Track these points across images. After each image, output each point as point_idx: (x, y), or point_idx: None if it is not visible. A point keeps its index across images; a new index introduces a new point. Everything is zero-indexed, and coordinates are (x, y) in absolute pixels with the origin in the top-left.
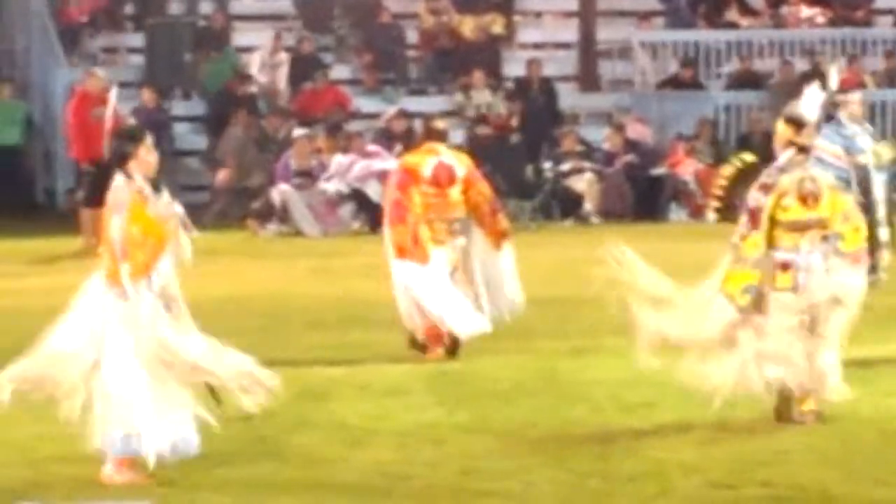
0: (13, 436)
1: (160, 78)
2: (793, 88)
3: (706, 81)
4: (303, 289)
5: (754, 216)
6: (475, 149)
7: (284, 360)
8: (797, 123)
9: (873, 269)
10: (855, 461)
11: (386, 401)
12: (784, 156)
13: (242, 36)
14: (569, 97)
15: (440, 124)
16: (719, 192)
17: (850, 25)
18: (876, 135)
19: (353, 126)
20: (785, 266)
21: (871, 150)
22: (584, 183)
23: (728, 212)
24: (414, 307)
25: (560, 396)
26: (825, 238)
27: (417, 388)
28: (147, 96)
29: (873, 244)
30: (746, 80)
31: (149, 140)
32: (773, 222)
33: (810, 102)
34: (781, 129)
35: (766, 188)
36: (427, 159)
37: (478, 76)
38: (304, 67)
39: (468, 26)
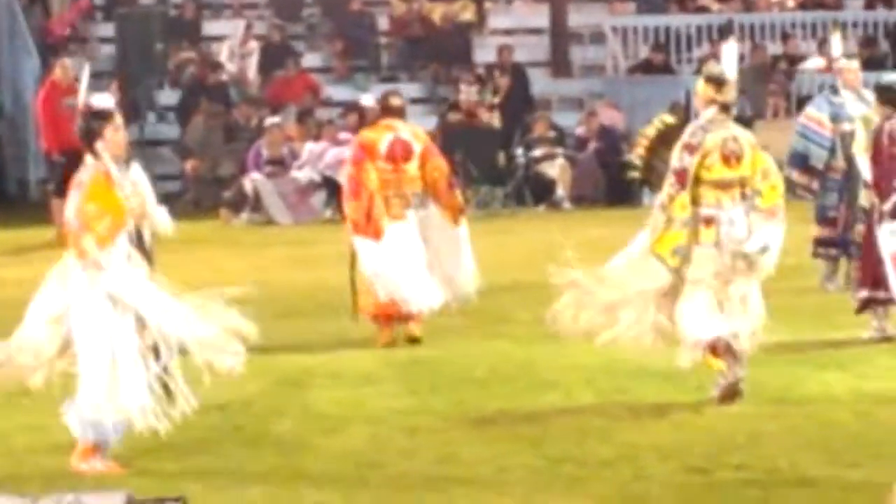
0: None
1: (131, 68)
2: (764, 71)
3: (677, 66)
4: (275, 277)
5: (681, 176)
6: (447, 135)
7: (258, 348)
8: (717, 81)
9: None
10: (830, 444)
11: (359, 389)
12: (706, 114)
13: (213, 25)
14: (540, 83)
15: (396, 101)
16: (641, 154)
17: (821, 8)
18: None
19: (325, 114)
20: (708, 221)
21: (861, 116)
22: (556, 169)
23: (649, 173)
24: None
25: (534, 382)
26: (745, 196)
27: (391, 375)
28: (114, 88)
29: (852, 214)
30: None
31: (117, 119)
32: (697, 180)
33: (729, 60)
34: (702, 89)
35: (692, 148)
36: (384, 135)
37: (466, 76)
38: (275, 56)
39: (439, 13)
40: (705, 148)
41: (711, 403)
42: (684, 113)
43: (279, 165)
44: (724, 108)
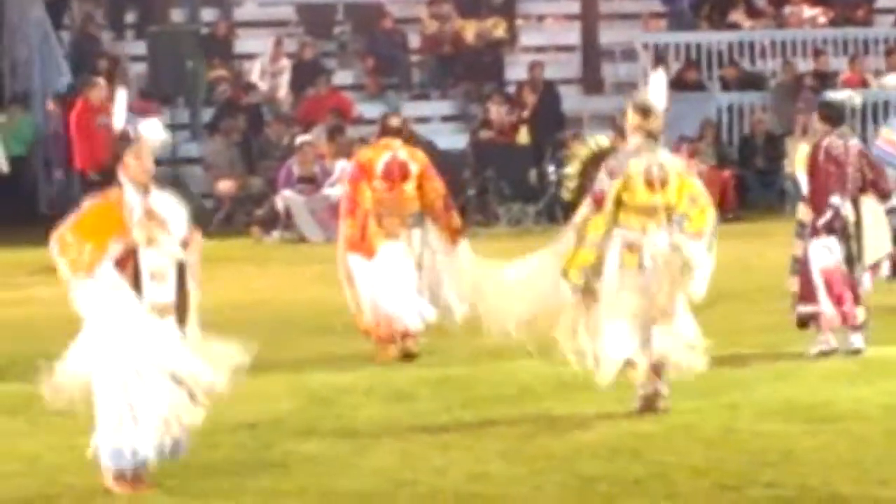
0: (20, 446)
1: (163, 86)
2: (795, 88)
3: (709, 83)
4: (308, 295)
5: (598, 199)
6: (478, 152)
7: (290, 366)
8: (644, 110)
9: None
10: (862, 461)
11: (391, 406)
12: (632, 141)
13: (245, 43)
14: (572, 100)
15: (395, 121)
16: (574, 173)
17: (852, 25)
18: None
19: (357, 132)
20: (631, 247)
21: None
22: None
23: (581, 193)
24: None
25: (566, 400)
26: (672, 220)
27: (423, 393)
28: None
29: None
30: (748, 82)
31: (140, 145)
32: (621, 204)
33: (656, 89)
34: (630, 117)
35: (613, 172)
36: (381, 155)
37: (497, 97)
38: (306, 73)
39: (470, 30)
40: (628, 173)
41: (742, 420)
42: (715, 130)
43: (311, 183)
44: (650, 135)
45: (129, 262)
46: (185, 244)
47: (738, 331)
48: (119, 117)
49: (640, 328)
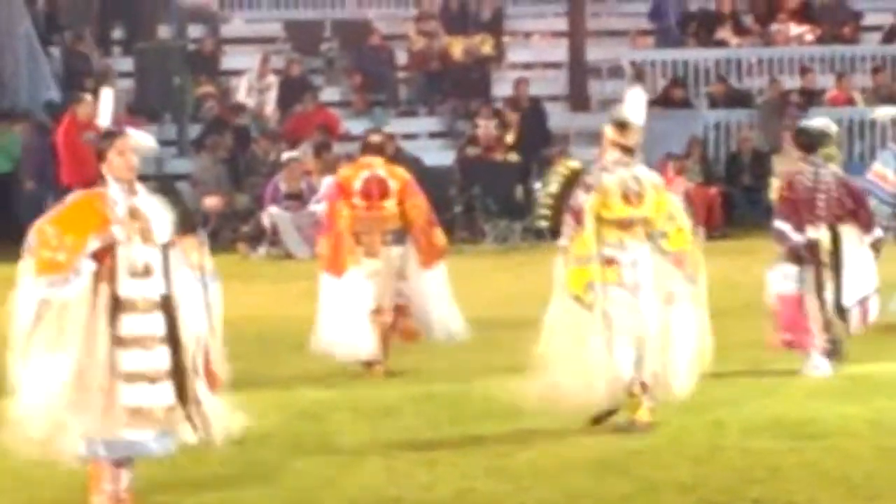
0: (7, 461)
1: (150, 102)
2: (781, 106)
3: (696, 100)
4: (294, 311)
5: (577, 214)
6: (465, 169)
7: (277, 382)
8: (621, 125)
9: None
10: (849, 477)
11: (378, 422)
12: (609, 156)
13: (232, 59)
14: (558, 117)
15: (376, 138)
16: (549, 204)
17: (838, 42)
18: None
19: (343, 148)
20: (610, 262)
21: None
22: None
23: (559, 219)
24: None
25: (553, 416)
26: (650, 235)
27: (409, 409)
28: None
29: None
30: (735, 99)
31: (121, 141)
32: (599, 220)
33: (634, 105)
34: (607, 131)
35: (587, 187)
36: (359, 173)
37: (485, 111)
38: (293, 90)
39: (458, 47)
40: (604, 187)
41: (729, 436)
42: (702, 147)
43: (297, 200)
44: (627, 150)
45: (107, 257)
46: (167, 246)
47: (725, 347)
48: (104, 115)
49: (633, 346)
